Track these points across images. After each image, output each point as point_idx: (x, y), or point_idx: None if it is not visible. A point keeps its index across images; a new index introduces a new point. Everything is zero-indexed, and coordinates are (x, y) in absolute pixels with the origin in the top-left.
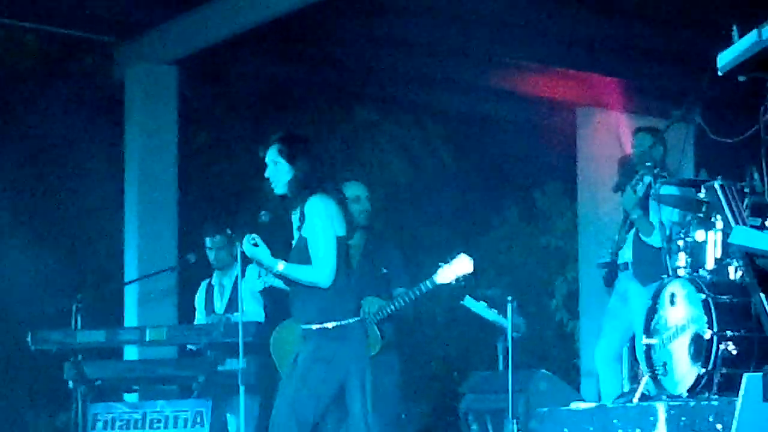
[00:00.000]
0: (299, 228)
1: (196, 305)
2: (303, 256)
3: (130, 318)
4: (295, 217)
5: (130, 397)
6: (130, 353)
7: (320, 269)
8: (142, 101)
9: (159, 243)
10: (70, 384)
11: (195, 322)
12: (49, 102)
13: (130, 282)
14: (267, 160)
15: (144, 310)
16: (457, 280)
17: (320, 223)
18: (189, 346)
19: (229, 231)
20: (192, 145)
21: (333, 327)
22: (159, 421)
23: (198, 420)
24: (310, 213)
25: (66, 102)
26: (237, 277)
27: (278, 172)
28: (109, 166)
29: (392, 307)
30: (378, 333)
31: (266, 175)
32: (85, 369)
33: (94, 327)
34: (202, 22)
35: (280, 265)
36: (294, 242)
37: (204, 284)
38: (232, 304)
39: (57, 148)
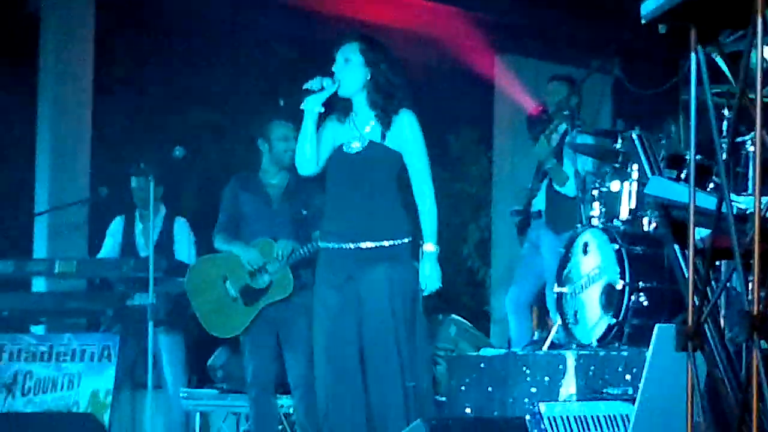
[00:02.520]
0: (383, 136)
1: (109, 237)
2: (376, 165)
3: (40, 250)
4: (359, 121)
5: (38, 330)
6: (39, 285)
7: (431, 185)
8: (58, 33)
9: (71, 175)
10: None
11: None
12: None
13: (40, 213)
14: (338, 56)
15: (54, 242)
16: None
17: (422, 141)
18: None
19: (142, 165)
20: (108, 78)
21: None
22: (66, 354)
23: (105, 354)
24: (411, 127)
25: None
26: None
27: (349, 70)
28: (22, 97)
29: (306, 249)
30: (291, 276)
31: (333, 69)
32: None
33: (2, 257)
34: None
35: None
36: (359, 148)
37: (120, 219)
38: (162, 246)
39: None
